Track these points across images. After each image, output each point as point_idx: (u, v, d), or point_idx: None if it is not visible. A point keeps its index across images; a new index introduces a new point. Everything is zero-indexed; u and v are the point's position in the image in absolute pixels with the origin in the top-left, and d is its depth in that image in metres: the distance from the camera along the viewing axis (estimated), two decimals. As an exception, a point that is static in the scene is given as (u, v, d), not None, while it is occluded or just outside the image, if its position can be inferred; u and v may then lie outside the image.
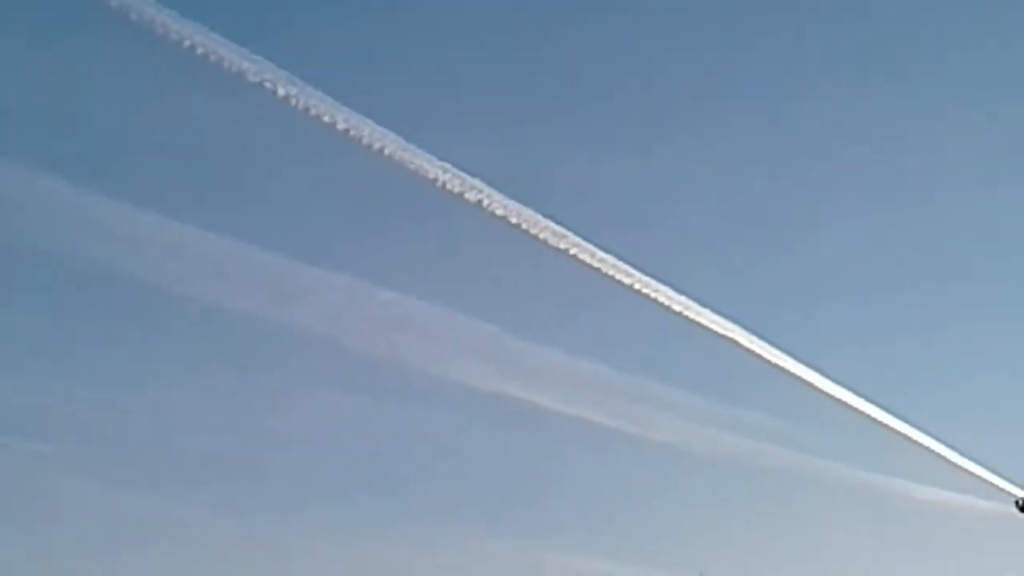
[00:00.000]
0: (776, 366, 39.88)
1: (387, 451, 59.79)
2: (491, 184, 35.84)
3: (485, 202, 35.80)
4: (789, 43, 68.62)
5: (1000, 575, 38.92)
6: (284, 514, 55.70)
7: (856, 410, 40.04)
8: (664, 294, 38.17)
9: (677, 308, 38.43)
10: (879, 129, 69.76)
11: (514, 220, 36.11)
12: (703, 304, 39.04)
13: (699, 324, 38.77)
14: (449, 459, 59.93)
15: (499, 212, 35.96)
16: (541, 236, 36.59)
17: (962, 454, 36.05)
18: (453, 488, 59.38)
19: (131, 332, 58.81)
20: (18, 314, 56.55)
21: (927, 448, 38.01)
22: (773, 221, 66.12)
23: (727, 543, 53.09)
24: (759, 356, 39.66)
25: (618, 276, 37.64)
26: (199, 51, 31.74)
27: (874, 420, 39.72)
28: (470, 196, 35.44)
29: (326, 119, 33.77)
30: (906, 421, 39.41)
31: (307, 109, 33.41)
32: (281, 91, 32.91)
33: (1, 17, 51.06)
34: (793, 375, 39.99)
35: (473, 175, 35.73)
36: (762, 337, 39.91)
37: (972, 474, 32.89)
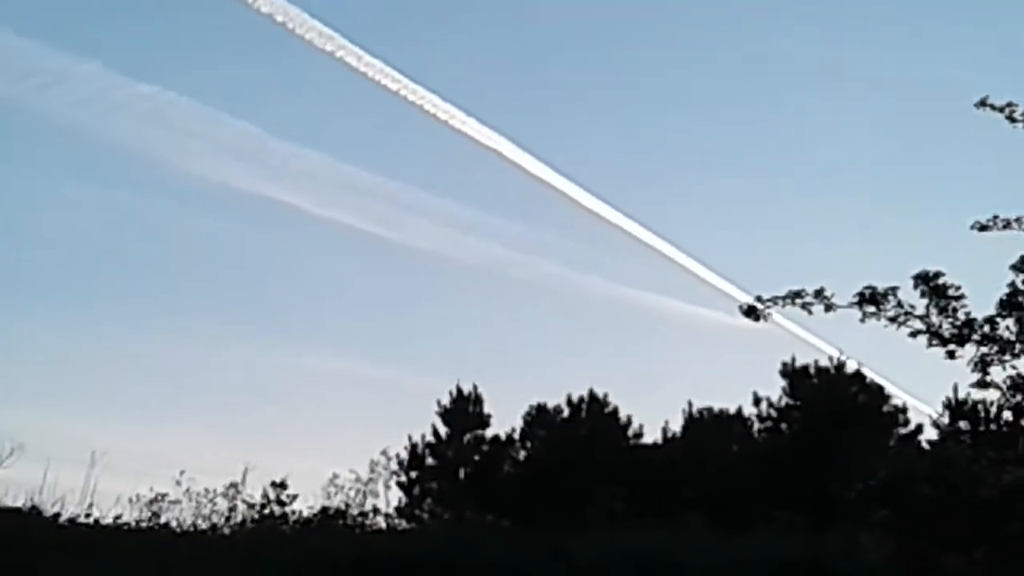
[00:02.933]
0: (538, 178, 40.24)
1: (139, 250, 54.69)
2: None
3: (249, -1, 34.83)
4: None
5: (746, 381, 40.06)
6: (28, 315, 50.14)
7: (613, 224, 40.78)
8: (430, 102, 38.05)
9: (443, 116, 38.37)
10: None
11: (280, 19, 34.86)
12: (469, 113, 39.05)
13: (464, 133, 38.86)
14: (204, 260, 56.68)
15: (265, 10, 34.58)
16: (307, 37, 35.62)
17: (716, 272, 37.43)
18: (207, 290, 55.95)
19: None
20: None
21: (680, 265, 39.26)
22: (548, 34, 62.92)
23: (482, 349, 52.56)
24: (521, 168, 40.01)
25: (384, 81, 37.22)
26: None
27: (630, 235, 40.52)
28: (233, -9, 34.13)
29: None
30: (662, 236, 40.65)
31: None
32: None
33: None
34: (554, 188, 40.45)
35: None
36: (525, 149, 40.27)
37: (723, 292, 33.64)
